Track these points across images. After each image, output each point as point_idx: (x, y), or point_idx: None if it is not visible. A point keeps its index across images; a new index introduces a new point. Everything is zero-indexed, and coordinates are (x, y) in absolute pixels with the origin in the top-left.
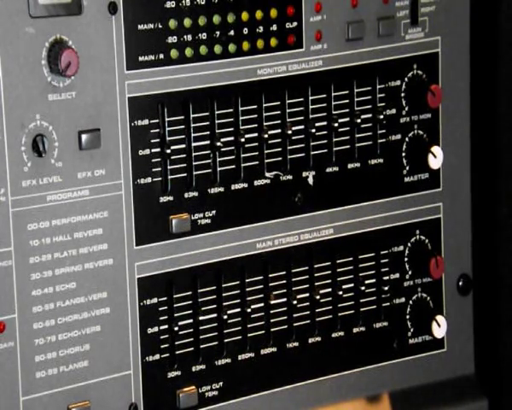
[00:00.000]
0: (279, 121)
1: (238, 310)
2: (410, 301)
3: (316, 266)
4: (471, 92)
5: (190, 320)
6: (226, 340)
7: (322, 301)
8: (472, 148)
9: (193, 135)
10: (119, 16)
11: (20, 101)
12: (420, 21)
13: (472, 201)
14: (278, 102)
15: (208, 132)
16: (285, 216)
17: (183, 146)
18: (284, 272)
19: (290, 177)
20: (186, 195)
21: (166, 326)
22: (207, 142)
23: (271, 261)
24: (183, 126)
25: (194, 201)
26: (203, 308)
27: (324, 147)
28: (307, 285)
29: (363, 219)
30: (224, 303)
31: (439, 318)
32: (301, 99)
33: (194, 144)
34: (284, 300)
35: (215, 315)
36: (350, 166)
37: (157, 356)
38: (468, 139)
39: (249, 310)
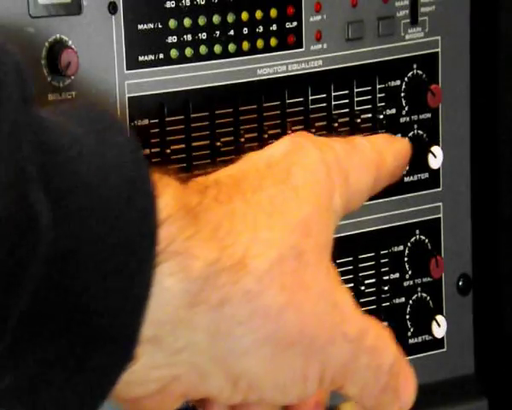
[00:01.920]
0: (279, 121)
1: None
2: (410, 301)
3: None
4: (471, 92)
5: None
6: None
7: None
8: (472, 148)
9: (193, 135)
10: (119, 16)
11: None
12: (420, 21)
13: (472, 201)
14: (278, 102)
15: (208, 132)
16: None
17: (183, 146)
18: None
19: None
20: None
21: None
22: (207, 142)
23: None
24: (182, 126)
25: None
26: None
27: None
28: None
29: (363, 219)
30: None
31: (439, 318)
32: (301, 99)
33: (194, 144)
34: None
35: None
36: None
37: None
38: (468, 139)
39: None
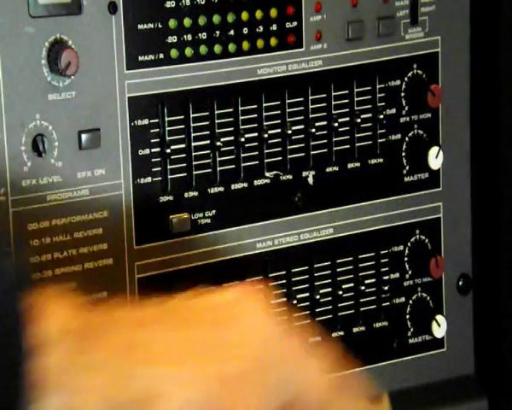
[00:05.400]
0: (279, 121)
1: None
2: (410, 301)
3: (316, 266)
4: (471, 92)
5: None
6: None
7: (322, 300)
8: (472, 148)
9: (193, 135)
10: (119, 16)
11: (20, 101)
12: (420, 21)
13: (472, 201)
14: (278, 102)
15: (208, 132)
16: (285, 216)
17: (183, 146)
18: (284, 272)
19: (290, 177)
20: (186, 195)
21: None
22: (207, 142)
23: (271, 261)
24: (182, 126)
25: (194, 201)
26: None
27: (324, 147)
28: (307, 285)
29: (363, 219)
30: None
31: (439, 318)
32: (301, 99)
33: (194, 144)
34: (284, 300)
35: None
36: (350, 166)
37: None
38: (468, 139)
39: None
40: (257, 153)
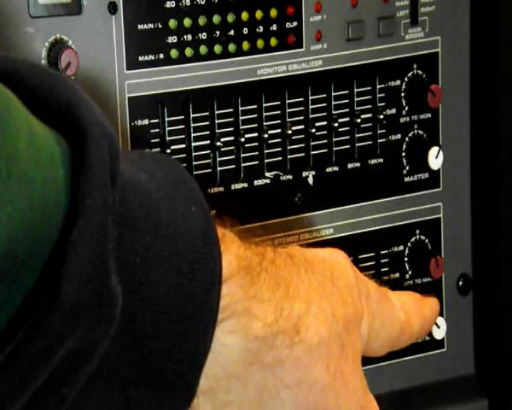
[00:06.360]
0: (279, 121)
1: None
2: None
3: None
4: (471, 92)
5: None
6: None
7: None
8: (472, 148)
9: (193, 135)
10: (119, 16)
11: None
12: (420, 21)
13: (472, 201)
14: (278, 102)
15: (208, 132)
16: (285, 216)
17: (183, 146)
18: None
19: (290, 177)
20: None
21: None
22: (207, 142)
23: None
24: (182, 126)
25: None
26: None
27: (324, 147)
28: None
29: (363, 219)
30: None
31: (439, 319)
32: (301, 99)
33: (194, 144)
34: None
35: None
36: (350, 166)
37: None
38: (468, 139)
39: None
40: (257, 153)
